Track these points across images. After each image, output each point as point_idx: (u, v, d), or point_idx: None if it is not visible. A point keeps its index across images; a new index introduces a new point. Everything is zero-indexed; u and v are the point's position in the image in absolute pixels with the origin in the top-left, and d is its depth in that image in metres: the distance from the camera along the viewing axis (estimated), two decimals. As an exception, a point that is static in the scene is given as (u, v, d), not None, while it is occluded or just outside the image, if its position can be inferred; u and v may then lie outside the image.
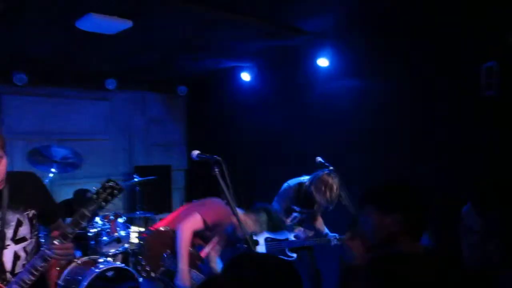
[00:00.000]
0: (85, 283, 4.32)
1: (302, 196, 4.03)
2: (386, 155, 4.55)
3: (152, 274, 3.29)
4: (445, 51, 4.06)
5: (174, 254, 3.28)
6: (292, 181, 4.17)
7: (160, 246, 3.33)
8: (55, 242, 2.06)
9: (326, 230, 4.30)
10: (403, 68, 4.45)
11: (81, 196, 5.17)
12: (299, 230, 4.24)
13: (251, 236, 2.87)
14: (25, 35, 4.40)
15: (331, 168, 3.92)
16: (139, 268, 3.35)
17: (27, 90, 5.88)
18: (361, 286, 1.57)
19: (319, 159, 4.07)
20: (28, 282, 2.05)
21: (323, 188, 3.83)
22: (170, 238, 3.33)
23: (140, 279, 3.81)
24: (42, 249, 2.09)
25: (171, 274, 3.26)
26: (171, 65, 6.03)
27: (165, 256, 3.30)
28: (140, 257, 3.38)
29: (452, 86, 4.06)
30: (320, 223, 4.37)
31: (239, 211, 3.23)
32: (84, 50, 5.02)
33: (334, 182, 3.84)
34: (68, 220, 2.14)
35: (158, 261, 3.26)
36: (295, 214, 4.21)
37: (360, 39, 4.72)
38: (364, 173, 4.58)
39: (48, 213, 2.33)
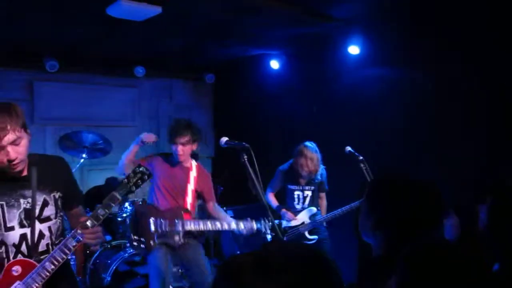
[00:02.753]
0: (114, 267, 4.42)
1: (291, 172, 4.37)
2: (417, 145, 4.45)
3: (151, 243, 3.49)
4: (478, 39, 3.93)
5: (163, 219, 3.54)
6: (284, 165, 4.50)
7: (147, 215, 3.55)
8: (87, 223, 2.12)
9: (323, 209, 4.48)
10: (436, 56, 4.32)
11: (112, 184, 5.28)
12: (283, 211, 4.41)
13: (279, 225, 2.87)
14: (57, 22, 4.46)
15: (361, 158, 3.89)
16: (135, 244, 3.52)
17: (58, 77, 5.97)
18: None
19: (348, 148, 4.05)
20: (60, 260, 2.11)
21: (302, 160, 4.20)
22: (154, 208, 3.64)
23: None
24: (74, 230, 2.14)
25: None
26: (199, 52, 6.03)
27: (153, 221, 3.51)
28: (132, 234, 3.59)
29: (484, 75, 3.93)
30: (322, 205, 4.54)
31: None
32: (114, 37, 5.05)
33: (312, 153, 4.21)
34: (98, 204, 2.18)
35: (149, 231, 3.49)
36: (297, 194, 4.39)
37: (392, 25, 4.60)
38: (393, 163, 4.50)
39: (70, 198, 2.39)
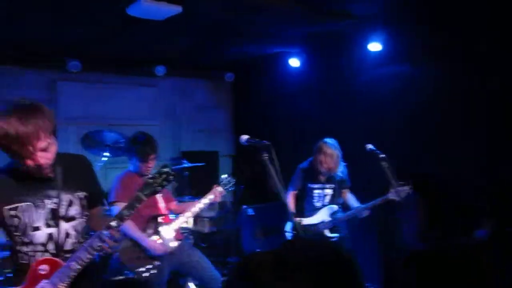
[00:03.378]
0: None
1: (311, 170, 4.32)
2: (439, 143, 4.38)
3: (159, 265, 3.48)
4: (502, 35, 3.83)
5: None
6: (304, 162, 4.45)
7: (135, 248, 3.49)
8: (112, 223, 2.14)
9: (356, 204, 4.33)
10: (458, 53, 4.24)
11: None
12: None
13: (299, 223, 2.86)
14: (79, 23, 4.52)
15: (383, 155, 3.85)
16: (147, 275, 3.48)
17: (80, 77, 6.06)
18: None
19: (369, 146, 4.02)
20: (85, 260, 2.12)
21: (322, 157, 4.16)
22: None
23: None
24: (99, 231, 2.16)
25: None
26: (218, 51, 6.04)
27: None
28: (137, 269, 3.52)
29: (509, 72, 3.83)
30: (348, 198, 4.44)
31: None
32: (134, 36, 5.10)
33: (331, 150, 4.16)
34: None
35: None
36: (317, 192, 4.36)
37: (412, 21, 4.53)
38: (415, 162, 4.44)
39: (93, 197, 2.39)
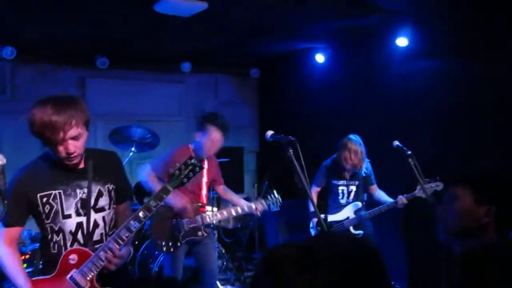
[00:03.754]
0: (161, 258, 4.52)
1: (335, 167, 4.34)
2: (468, 141, 4.28)
3: (179, 244, 3.66)
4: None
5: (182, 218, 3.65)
6: (327, 160, 4.47)
7: (166, 219, 3.65)
8: (139, 214, 2.19)
9: (385, 197, 4.30)
10: (487, 48, 4.13)
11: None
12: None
13: (325, 219, 2.85)
14: (107, 20, 4.60)
15: (409, 152, 3.79)
16: (158, 243, 3.70)
17: (108, 74, 6.17)
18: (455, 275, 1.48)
19: (396, 143, 3.95)
20: (114, 250, 2.18)
21: (346, 153, 4.15)
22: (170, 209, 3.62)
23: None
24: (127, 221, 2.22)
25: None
26: (243, 47, 6.05)
27: (174, 224, 3.66)
28: (151, 233, 3.81)
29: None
30: (378, 193, 4.41)
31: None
32: (161, 33, 5.16)
33: (356, 146, 4.14)
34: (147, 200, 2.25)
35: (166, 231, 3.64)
36: (341, 189, 4.35)
37: (441, 15, 4.44)
38: (442, 158, 4.36)
39: (121, 192, 2.46)
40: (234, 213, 3.79)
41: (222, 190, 4.12)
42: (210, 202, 4.44)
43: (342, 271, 0.88)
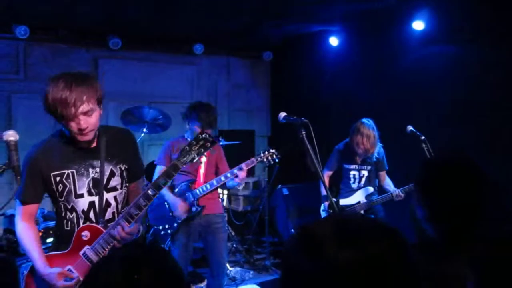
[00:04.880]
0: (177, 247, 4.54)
1: (347, 151, 4.29)
2: (484, 127, 4.22)
3: (175, 225, 3.77)
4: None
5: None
6: (340, 144, 4.43)
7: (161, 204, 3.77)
8: (149, 192, 2.18)
9: (390, 186, 4.29)
10: (505, 31, 4.04)
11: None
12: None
13: (337, 202, 2.84)
14: (120, 1, 4.57)
15: (423, 137, 3.76)
16: (162, 233, 3.85)
17: (121, 54, 6.16)
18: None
19: (410, 127, 3.94)
20: (124, 227, 2.19)
21: (358, 137, 4.08)
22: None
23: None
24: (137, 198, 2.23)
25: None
26: (256, 29, 5.99)
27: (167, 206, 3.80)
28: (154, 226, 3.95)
29: None
30: (386, 181, 4.39)
31: None
32: (174, 14, 5.12)
33: (369, 130, 4.07)
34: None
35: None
36: (353, 173, 4.33)
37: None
38: (456, 144, 4.31)
39: (133, 170, 2.46)
40: (223, 179, 3.73)
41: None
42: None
43: (381, 244, 0.86)
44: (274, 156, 3.82)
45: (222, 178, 3.74)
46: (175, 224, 3.79)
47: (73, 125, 2.10)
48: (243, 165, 3.71)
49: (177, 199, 3.73)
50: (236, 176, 3.69)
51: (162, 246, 4.68)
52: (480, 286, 1.09)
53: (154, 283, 1.05)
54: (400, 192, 4.02)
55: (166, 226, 3.85)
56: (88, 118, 2.12)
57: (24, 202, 2.24)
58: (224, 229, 4.00)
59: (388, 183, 4.35)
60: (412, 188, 3.83)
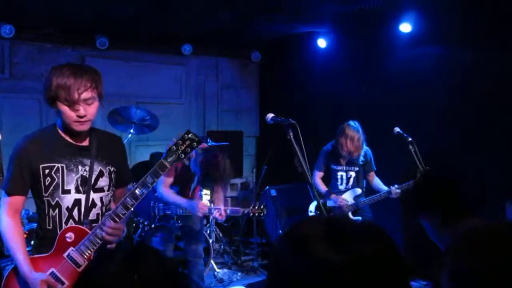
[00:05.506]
0: (158, 239, 4.52)
1: (334, 152, 4.33)
2: (468, 127, 4.26)
3: (153, 225, 3.92)
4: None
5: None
6: (328, 144, 4.47)
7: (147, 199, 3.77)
8: (136, 191, 2.18)
9: (381, 186, 4.31)
10: (491, 34, 4.09)
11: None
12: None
13: (324, 204, 2.85)
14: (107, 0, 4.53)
15: (410, 139, 3.78)
16: (140, 226, 3.96)
17: (108, 54, 6.10)
18: None
19: (397, 129, 3.97)
20: (110, 226, 2.17)
21: (343, 140, 4.12)
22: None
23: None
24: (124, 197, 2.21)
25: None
26: (245, 30, 5.98)
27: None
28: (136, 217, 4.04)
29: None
30: (376, 181, 4.41)
31: None
32: (162, 15, 5.09)
33: (353, 132, 4.11)
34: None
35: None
36: (340, 174, 4.35)
37: (445, 1, 4.38)
38: (443, 146, 4.34)
39: (121, 176, 2.45)
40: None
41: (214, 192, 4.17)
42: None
43: (372, 245, 0.86)
44: (262, 214, 3.97)
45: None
46: (153, 225, 3.90)
47: (73, 110, 2.13)
48: (225, 210, 3.80)
49: (193, 201, 3.77)
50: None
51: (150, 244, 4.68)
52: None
53: (152, 281, 1.05)
54: (397, 189, 4.02)
55: (146, 223, 3.97)
56: (87, 107, 2.15)
57: (10, 193, 2.20)
58: (198, 220, 4.06)
59: (379, 183, 4.37)
60: (409, 186, 3.88)
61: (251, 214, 3.95)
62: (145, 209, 3.98)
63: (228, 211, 3.82)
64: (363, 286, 0.82)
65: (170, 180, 3.76)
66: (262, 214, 3.96)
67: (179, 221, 3.91)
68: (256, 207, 3.93)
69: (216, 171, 3.71)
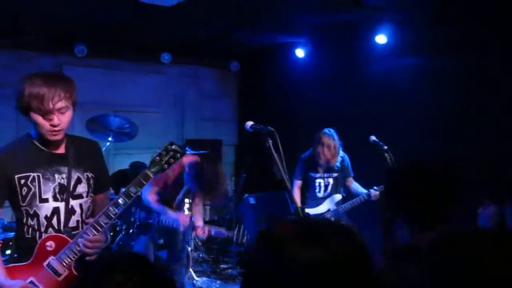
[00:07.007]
0: (137, 249, 4.49)
1: (312, 160, 4.36)
2: (446, 138, 4.38)
3: (130, 231, 3.96)
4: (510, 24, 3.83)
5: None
6: (305, 153, 4.50)
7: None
8: (119, 200, 2.17)
9: (360, 189, 4.39)
10: (466, 44, 4.23)
11: (137, 168, 5.36)
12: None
13: (302, 209, 2.89)
14: (86, 6, 4.52)
15: (385, 147, 3.86)
16: (117, 229, 4.00)
17: (86, 62, 6.07)
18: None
19: (373, 138, 4.03)
20: (91, 236, 2.15)
21: (320, 148, 4.19)
22: None
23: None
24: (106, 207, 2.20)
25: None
26: (224, 40, 6.03)
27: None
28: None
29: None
30: (354, 185, 4.49)
31: None
32: (142, 23, 5.11)
33: (329, 140, 4.18)
34: (123, 190, 2.23)
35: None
36: (318, 181, 4.39)
37: (420, 13, 4.52)
38: (418, 154, 4.44)
39: (99, 181, 2.43)
40: (183, 228, 3.81)
41: (194, 205, 4.09)
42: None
43: (345, 244, 0.89)
44: (245, 240, 3.97)
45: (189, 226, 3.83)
46: (131, 230, 3.93)
47: (46, 120, 2.10)
48: (209, 231, 3.87)
49: (176, 213, 3.75)
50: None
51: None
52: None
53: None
54: (376, 191, 4.11)
55: (124, 227, 4.00)
56: (61, 116, 2.12)
57: None
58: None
59: (357, 187, 4.44)
60: (363, 199, 3.98)
61: (234, 240, 3.94)
62: (124, 213, 3.97)
63: (212, 232, 3.82)
64: (333, 283, 0.86)
65: (156, 188, 3.76)
66: (245, 241, 3.94)
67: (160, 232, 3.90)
68: (240, 233, 3.92)
69: (216, 189, 3.68)
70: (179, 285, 3.98)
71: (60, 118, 2.12)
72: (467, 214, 2.41)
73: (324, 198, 4.40)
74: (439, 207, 1.65)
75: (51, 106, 2.06)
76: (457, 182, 1.70)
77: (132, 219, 3.87)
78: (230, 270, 5.48)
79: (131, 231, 3.91)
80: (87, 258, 2.18)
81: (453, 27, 4.28)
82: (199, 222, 3.85)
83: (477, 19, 4.11)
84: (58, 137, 2.18)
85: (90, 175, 2.35)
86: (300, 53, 6.06)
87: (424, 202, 1.64)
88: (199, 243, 5.69)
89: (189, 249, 5.04)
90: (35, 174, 2.19)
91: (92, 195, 2.38)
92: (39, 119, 2.10)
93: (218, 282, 5.25)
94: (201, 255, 5.67)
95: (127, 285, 1.03)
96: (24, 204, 2.19)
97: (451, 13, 4.28)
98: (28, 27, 5.35)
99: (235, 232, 3.93)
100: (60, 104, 2.09)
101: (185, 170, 3.77)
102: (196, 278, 5.19)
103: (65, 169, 2.25)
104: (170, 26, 5.30)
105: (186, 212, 3.91)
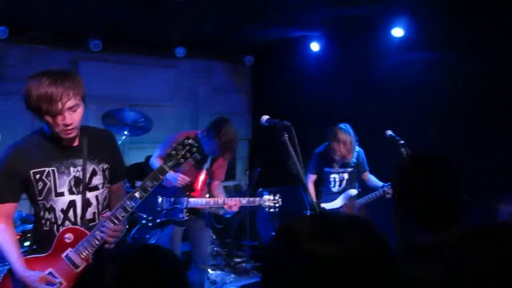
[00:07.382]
0: (152, 242, 4.54)
1: (326, 155, 4.31)
2: (461, 132, 4.33)
3: (158, 220, 3.81)
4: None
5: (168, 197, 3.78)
6: (319, 147, 4.45)
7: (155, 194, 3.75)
8: (136, 194, 2.18)
9: (377, 182, 4.32)
10: (483, 40, 4.16)
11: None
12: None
13: (318, 203, 2.89)
14: (101, 2, 4.54)
15: (402, 142, 3.83)
16: (144, 222, 3.89)
17: (101, 56, 6.10)
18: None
19: (389, 132, 4.01)
20: (109, 228, 2.17)
21: (335, 144, 4.14)
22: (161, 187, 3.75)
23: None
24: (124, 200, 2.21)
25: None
26: (238, 33, 6.02)
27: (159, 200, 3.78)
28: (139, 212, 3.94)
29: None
30: (370, 178, 4.44)
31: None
32: (156, 17, 5.11)
33: (345, 136, 4.12)
34: (138, 183, 2.24)
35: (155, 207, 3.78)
36: (333, 177, 4.36)
37: (438, 6, 4.45)
38: (434, 149, 4.40)
39: (116, 171, 2.44)
40: (220, 202, 3.76)
41: (214, 186, 4.06)
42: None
43: (362, 238, 0.89)
44: (277, 204, 3.84)
45: (219, 201, 3.76)
46: (158, 220, 3.81)
47: (58, 121, 2.08)
48: (240, 200, 3.73)
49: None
50: (229, 207, 3.72)
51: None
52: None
53: (151, 281, 1.05)
54: (389, 189, 4.04)
55: (150, 218, 3.86)
56: (73, 114, 2.10)
57: (0, 201, 2.20)
58: (205, 222, 4.07)
59: (374, 180, 4.39)
60: (379, 195, 3.92)
61: (267, 210, 3.81)
62: (149, 205, 3.93)
63: (243, 202, 3.72)
64: (350, 279, 0.85)
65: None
66: (277, 205, 3.83)
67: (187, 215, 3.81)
68: (272, 198, 3.81)
69: (233, 142, 3.73)
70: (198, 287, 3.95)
71: (72, 116, 2.10)
72: (482, 211, 2.36)
73: (339, 193, 4.37)
74: (443, 206, 1.59)
75: (60, 106, 2.03)
76: (460, 179, 1.63)
77: (158, 209, 3.82)
78: (244, 264, 5.50)
79: (158, 220, 3.81)
80: (106, 246, 2.20)
81: (473, 20, 4.21)
82: (225, 199, 3.78)
83: (495, 14, 4.03)
84: (72, 135, 2.18)
85: (105, 166, 2.36)
86: (315, 46, 6.02)
87: (428, 202, 1.58)
88: (213, 237, 5.72)
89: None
90: (49, 169, 2.20)
91: (108, 185, 2.40)
92: (51, 120, 2.08)
93: (232, 275, 5.27)
94: (215, 248, 5.70)
95: (126, 283, 1.02)
96: (40, 198, 2.21)
97: (471, 6, 4.20)
98: (42, 23, 5.39)
99: (267, 198, 3.82)
100: (70, 103, 2.06)
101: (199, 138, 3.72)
102: (211, 272, 5.22)
103: (80, 162, 2.26)
104: (184, 21, 5.30)
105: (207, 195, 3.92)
